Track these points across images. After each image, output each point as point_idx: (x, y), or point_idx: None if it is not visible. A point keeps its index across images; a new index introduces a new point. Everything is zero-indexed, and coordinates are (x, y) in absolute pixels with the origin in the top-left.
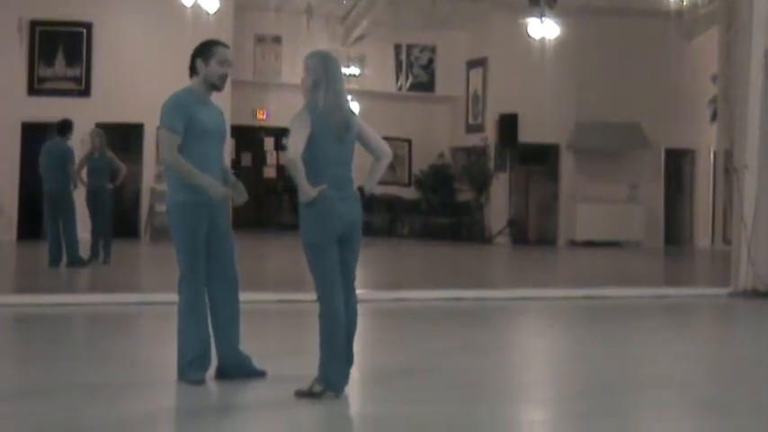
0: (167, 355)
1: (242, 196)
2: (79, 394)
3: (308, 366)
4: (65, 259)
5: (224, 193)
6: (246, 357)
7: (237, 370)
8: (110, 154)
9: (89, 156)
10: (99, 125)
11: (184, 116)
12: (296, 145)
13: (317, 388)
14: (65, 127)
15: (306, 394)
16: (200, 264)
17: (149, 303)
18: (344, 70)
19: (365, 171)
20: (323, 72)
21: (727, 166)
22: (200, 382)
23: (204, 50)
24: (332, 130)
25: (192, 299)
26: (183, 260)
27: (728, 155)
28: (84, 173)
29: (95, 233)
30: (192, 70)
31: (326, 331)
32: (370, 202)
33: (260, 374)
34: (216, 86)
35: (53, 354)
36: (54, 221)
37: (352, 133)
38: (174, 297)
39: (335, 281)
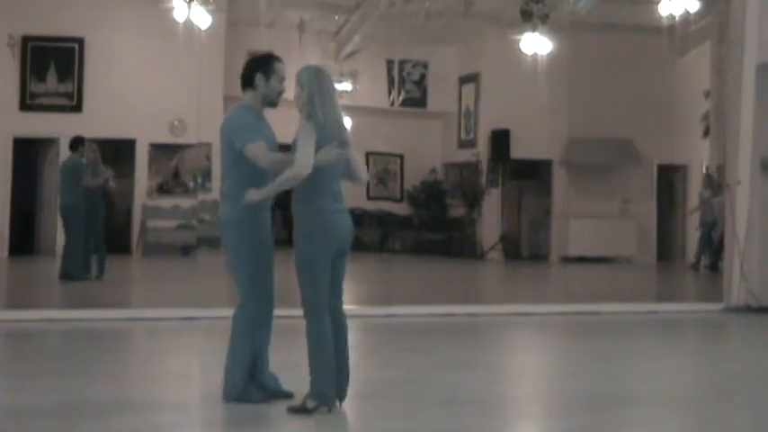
0: (161, 370)
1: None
2: (71, 411)
3: (301, 382)
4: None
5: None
6: (275, 378)
7: (268, 389)
8: (102, 169)
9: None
10: (91, 141)
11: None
12: (308, 158)
13: (310, 404)
14: (76, 143)
15: (299, 410)
16: (261, 280)
17: (141, 319)
18: (337, 86)
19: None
20: (316, 86)
21: (720, 182)
22: (264, 399)
23: (265, 66)
24: (330, 143)
25: (253, 317)
26: (245, 277)
27: (721, 170)
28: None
29: (88, 248)
30: (248, 84)
31: (316, 346)
32: (361, 218)
33: (287, 396)
34: (274, 103)
35: (44, 370)
36: (72, 234)
37: (347, 148)
38: (165, 313)
39: (325, 296)
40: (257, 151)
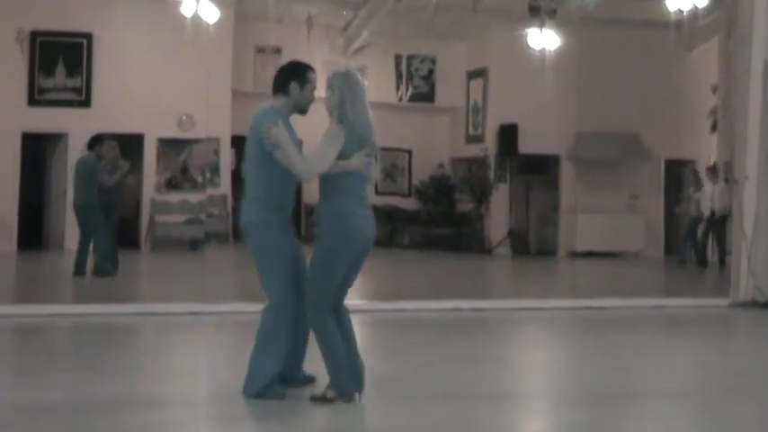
0: (169, 366)
1: None
2: (80, 407)
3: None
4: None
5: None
6: (309, 378)
7: (297, 382)
8: (121, 164)
9: (104, 168)
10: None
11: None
12: (327, 161)
13: (330, 394)
14: (93, 142)
15: (320, 399)
16: (290, 281)
17: (150, 314)
18: None
19: None
20: (347, 89)
21: (728, 177)
22: (284, 395)
23: (300, 74)
24: (362, 147)
25: (283, 319)
26: (273, 279)
27: (729, 165)
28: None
29: (115, 244)
30: (282, 90)
31: (325, 340)
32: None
33: (310, 380)
34: (304, 111)
35: (52, 365)
36: (83, 233)
37: (374, 151)
38: (173, 308)
39: (331, 297)
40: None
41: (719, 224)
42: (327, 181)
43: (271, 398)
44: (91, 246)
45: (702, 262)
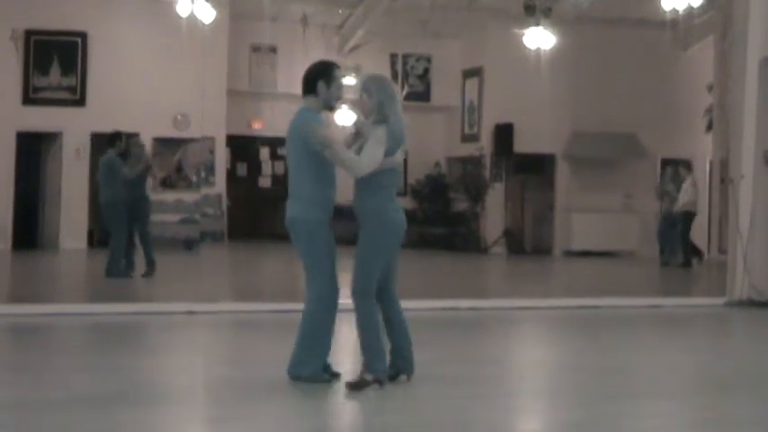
0: (164, 365)
1: None
2: (76, 405)
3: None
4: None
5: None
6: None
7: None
8: (146, 158)
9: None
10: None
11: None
12: (372, 164)
13: (368, 376)
14: (113, 138)
15: (359, 384)
16: (334, 278)
17: (145, 313)
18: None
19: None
20: (384, 94)
21: (723, 176)
22: (330, 380)
23: (327, 73)
24: (399, 146)
25: (328, 310)
26: (321, 274)
27: (724, 164)
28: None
29: (132, 244)
30: (311, 90)
31: (366, 328)
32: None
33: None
34: (333, 108)
35: (48, 364)
36: (113, 231)
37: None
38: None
39: (375, 284)
40: (338, 148)
41: (682, 221)
42: (366, 178)
43: (317, 381)
44: (125, 242)
45: (689, 264)
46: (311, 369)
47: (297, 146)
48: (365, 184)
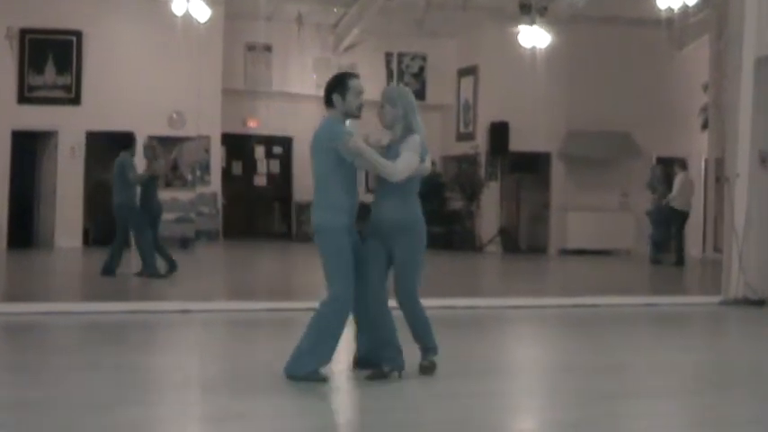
0: (160, 364)
1: None
2: (72, 404)
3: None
4: (141, 269)
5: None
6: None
7: (372, 363)
8: (157, 164)
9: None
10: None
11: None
12: (412, 165)
13: (387, 368)
14: (127, 141)
15: (429, 368)
16: (351, 282)
17: (140, 312)
18: None
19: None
20: (408, 104)
21: (719, 175)
22: (327, 379)
23: (339, 85)
24: (426, 153)
25: (341, 311)
26: (340, 278)
27: (720, 163)
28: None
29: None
30: (329, 103)
31: (422, 319)
32: (359, 211)
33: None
34: (355, 116)
35: (44, 363)
36: (121, 232)
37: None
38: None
39: (420, 282)
40: (363, 147)
41: (675, 220)
42: (398, 185)
43: (312, 380)
44: (137, 242)
45: (681, 262)
46: (309, 368)
47: (322, 155)
48: (399, 191)
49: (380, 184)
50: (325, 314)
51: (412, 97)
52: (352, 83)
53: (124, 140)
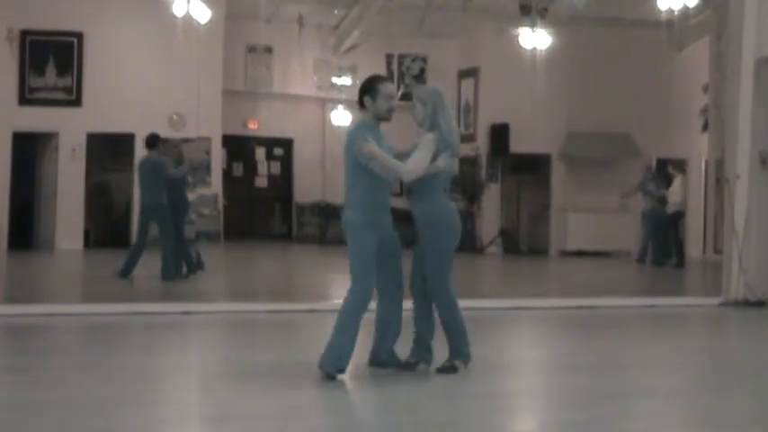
0: (160, 365)
1: None
2: (72, 406)
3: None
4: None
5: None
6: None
7: (390, 364)
8: (185, 161)
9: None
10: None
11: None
12: (423, 164)
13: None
14: (154, 140)
15: (449, 369)
16: (372, 277)
17: (140, 313)
18: (335, 80)
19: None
20: (438, 103)
21: (719, 176)
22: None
23: (371, 88)
24: (448, 149)
25: (361, 302)
26: (360, 269)
27: (720, 164)
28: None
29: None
30: (361, 105)
31: (452, 314)
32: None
33: (410, 366)
34: (386, 118)
35: (44, 364)
36: (144, 233)
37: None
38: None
39: (450, 277)
40: (371, 149)
41: (673, 221)
42: (422, 182)
43: (332, 376)
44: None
45: (681, 264)
46: (339, 364)
47: (349, 156)
48: (422, 186)
49: (412, 184)
50: (347, 306)
51: (443, 97)
52: (383, 87)
53: (150, 140)
